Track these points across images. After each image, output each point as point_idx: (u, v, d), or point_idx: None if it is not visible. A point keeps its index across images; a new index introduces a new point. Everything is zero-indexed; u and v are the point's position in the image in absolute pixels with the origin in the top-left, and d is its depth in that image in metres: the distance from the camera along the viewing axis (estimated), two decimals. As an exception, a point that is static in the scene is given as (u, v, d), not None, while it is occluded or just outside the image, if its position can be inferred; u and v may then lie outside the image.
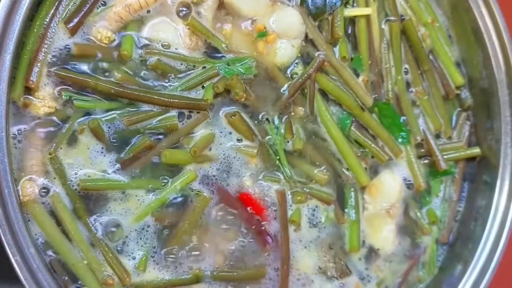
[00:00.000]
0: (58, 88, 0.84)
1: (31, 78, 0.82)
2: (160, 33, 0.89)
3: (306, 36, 0.96)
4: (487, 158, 1.02)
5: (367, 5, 1.00)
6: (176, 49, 0.90)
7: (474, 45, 1.02)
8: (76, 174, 0.84)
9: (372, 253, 0.98)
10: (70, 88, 0.84)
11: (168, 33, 0.90)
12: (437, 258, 1.04)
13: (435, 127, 1.04)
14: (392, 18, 1.02)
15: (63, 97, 0.84)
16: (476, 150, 1.04)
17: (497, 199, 0.98)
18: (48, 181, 0.83)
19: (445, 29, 1.06)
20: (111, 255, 0.84)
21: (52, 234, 0.81)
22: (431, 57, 1.05)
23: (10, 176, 0.76)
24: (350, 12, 0.99)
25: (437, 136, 1.04)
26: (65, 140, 0.84)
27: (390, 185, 0.98)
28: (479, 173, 1.04)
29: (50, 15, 0.84)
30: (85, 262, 0.83)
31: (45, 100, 0.83)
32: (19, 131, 0.82)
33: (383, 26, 1.01)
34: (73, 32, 0.85)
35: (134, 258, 0.85)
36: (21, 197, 0.80)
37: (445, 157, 1.02)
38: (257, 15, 0.93)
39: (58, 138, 0.83)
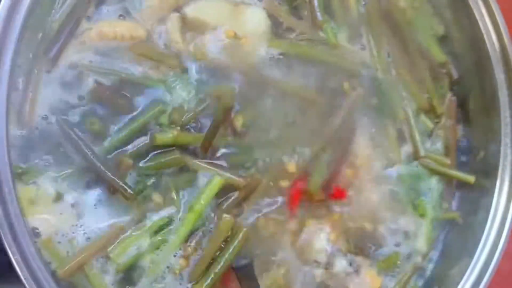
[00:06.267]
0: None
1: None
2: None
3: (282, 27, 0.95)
4: (486, 158, 1.02)
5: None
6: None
7: (474, 45, 1.02)
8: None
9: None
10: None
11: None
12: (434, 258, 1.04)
13: (419, 105, 1.03)
14: None
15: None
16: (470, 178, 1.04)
17: (497, 199, 0.98)
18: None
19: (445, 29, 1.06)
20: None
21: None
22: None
23: (10, 175, 0.76)
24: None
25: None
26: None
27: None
28: (478, 173, 1.04)
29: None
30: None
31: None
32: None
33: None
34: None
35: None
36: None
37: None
38: (224, 22, 0.91)
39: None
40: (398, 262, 1.00)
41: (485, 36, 0.99)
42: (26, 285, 0.76)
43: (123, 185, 0.85)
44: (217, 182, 0.88)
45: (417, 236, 1.02)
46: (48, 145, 0.84)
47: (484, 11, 0.99)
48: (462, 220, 1.03)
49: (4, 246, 0.75)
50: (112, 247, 0.84)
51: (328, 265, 0.94)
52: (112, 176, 0.84)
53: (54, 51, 0.85)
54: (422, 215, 1.02)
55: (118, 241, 0.85)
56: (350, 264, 0.96)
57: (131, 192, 0.85)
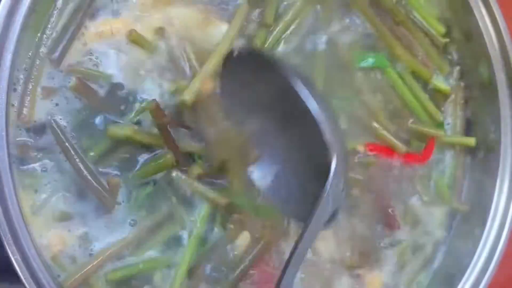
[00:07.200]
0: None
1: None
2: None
3: None
4: (487, 158, 1.02)
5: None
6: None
7: (474, 46, 1.02)
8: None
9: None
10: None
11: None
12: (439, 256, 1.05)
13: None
14: None
15: None
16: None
17: (497, 199, 0.98)
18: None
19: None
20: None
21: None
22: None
23: (10, 174, 0.76)
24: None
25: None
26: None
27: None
28: (478, 173, 1.04)
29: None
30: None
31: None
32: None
33: None
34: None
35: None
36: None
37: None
38: (189, 31, 0.90)
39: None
40: (406, 257, 1.00)
41: (485, 36, 0.99)
42: (26, 285, 0.76)
43: (107, 194, 0.83)
44: (205, 211, 0.88)
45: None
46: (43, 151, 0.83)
47: (484, 11, 0.99)
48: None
49: (4, 246, 0.75)
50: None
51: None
52: (96, 185, 0.82)
53: (58, 53, 0.83)
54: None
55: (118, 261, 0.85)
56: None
57: (115, 203, 0.84)
